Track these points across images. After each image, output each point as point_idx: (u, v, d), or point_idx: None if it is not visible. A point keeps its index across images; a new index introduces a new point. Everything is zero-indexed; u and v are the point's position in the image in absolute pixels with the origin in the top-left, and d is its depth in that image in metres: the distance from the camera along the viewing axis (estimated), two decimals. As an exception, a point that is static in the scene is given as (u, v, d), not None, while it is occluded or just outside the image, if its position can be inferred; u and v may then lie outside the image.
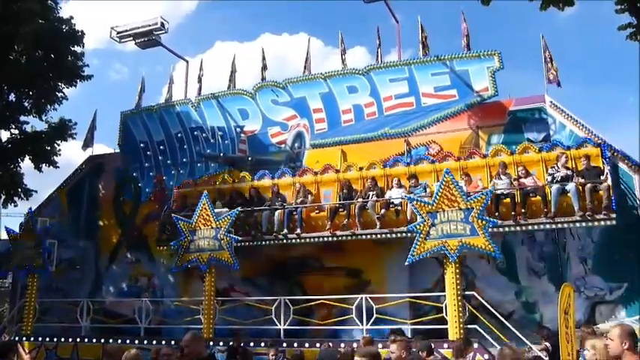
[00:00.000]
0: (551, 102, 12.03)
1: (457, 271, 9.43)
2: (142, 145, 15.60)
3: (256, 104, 14.28)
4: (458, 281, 9.41)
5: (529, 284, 11.43)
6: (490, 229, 9.39)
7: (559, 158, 10.39)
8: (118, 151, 16.21)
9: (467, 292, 11.04)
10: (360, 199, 11.23)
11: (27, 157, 15.06)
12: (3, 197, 15.07)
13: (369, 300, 10.62)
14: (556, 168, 10.27)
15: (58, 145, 15.15)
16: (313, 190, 12.16)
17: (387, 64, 13.22)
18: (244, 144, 14.42)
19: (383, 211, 10.97)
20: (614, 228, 10.46)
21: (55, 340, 12.30)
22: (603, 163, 10.32)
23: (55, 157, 15.08)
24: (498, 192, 10.25)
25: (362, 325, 10.47)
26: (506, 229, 10.30)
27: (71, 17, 14.75)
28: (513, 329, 9.69)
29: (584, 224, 10.00)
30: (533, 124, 12.12)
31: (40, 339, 12.38)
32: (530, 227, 10.33)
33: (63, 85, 14.88)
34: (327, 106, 13.64)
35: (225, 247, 11.05)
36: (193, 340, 4.35)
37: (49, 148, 14.95)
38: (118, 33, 15.44)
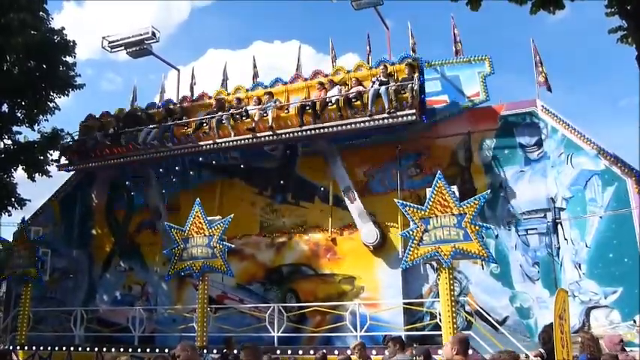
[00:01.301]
0: (542, 106, 12.03)
1: (451, 276, 9.39)
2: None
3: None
4: (451, 287, 9.37)
5: (523, 289, 11.39)
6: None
7: (383, 70, 11.79)
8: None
9: (461, 298, 11.05)
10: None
11: (20, 167, 15.03)
12: (-3, 207, 15.03)
13: (363, 306, 10.59)
14: (378, 77, 11.68)
15: (51, 154, 15.13)
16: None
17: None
18: (236, 151, 14.38)
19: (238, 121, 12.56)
20: (610, 231, 10.55)
21: (49, 348, 12.28)
22: (418, 72, 11.54)
23: (47, 167, 15.06)
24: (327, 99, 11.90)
25: (356, 332, 10.42)
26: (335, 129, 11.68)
27: (63, 28, 14.82)
28: (507, 335, 9.66)
29: (391, 120, 11.24)
30: (525, 128, 12.11)
31: (34, 348, 12.35)
32: (350, 127, 11.61)
33: (55, 95, 14.91)
34: (318, 113, 13.61)
35: (218, 255, 10.98)
36: (185, 350, 4.32)
37: (41, 157, 14.93)
38: (110, 43, 15.46)
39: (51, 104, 14.93)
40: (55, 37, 14.66)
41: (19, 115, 14.97)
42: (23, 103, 14.82)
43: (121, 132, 13.82)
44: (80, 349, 12.06)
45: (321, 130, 11.87)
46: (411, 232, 9.54)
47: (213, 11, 61.96)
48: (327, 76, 12.64)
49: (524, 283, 11.42)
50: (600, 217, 11.04)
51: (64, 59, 14.76)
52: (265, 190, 14.03)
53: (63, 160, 14.60)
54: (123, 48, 15.54)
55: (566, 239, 11.30)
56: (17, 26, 13.11)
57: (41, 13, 14.49)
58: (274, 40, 62.97)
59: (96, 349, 11.93)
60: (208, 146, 12.87)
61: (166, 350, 10.96)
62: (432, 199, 9.45)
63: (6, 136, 15.00)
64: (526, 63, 12.73)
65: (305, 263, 13.01)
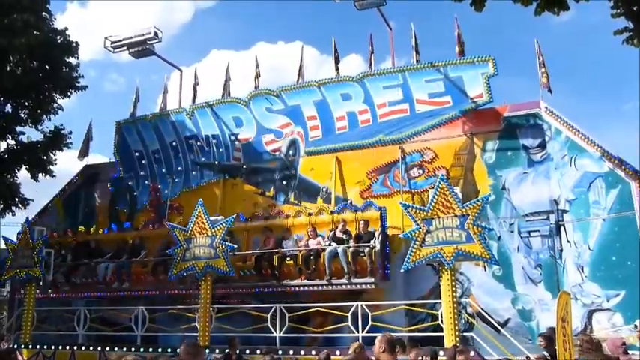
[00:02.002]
0: (546, 108, 11.99)
1: (453, 278, 9.39)
2: (137, 154, 15.64)
3: (250, 112, 14.31)
4: (453, 288, 9.37)
5: (525, 291, 11.35)
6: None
7: (339, 224, 11.58)
8: (113, 160, 16.24)
9: (463, 300, 11.03)
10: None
11: (23, 167, 15.11)
12: (1, 207, 15.13)
13: (365, 307, 10.59)
14: (334, 232, 11.44)
15: (54, 154, 15.22)
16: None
17: (381, 71, 13.23)
18: (239, 152, 14.44)
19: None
20: (613, 234, 10.53)
21: (53, 347, 12.36)
22: (380, 227, 11.25)
23: (51, 167, 15.14)
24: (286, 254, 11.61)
25: (357, 332, 10.42)
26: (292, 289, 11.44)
27: (66, 29, 14.87)
28: (509, 337, 9.65)
29: (349, 286, 10.96)
30: (529, 130, 12.07)
31: (38, 346, 12.42)
32: (309, 288, 11.34)
33: (58, 96, 14.98)
34: (321, 114, 13.66)
35: (220, 255, 11.02)
36: (189, 350, 4.34)
37: (45, 157, 15.01)
38: (112, 43, 15.50)
39: (54, 105, 15.00)
40: (58, 38, 14.73)
41: (22, 115, 15.05)
42: (27, 104, 14.91)
43: (78, 263, 13.58)
44: (83, 348, 12.12)
45: (278, 289, 11.59)
46: (413, 234, 9.56)
47: (217, 12, 62.13)
48: (287, 217, 12.53)
49: (526, 285, 11.38)
50: (603, 220, 11.01)
51: (67, 60, 14.84)
52: (268, 190, 14.07)
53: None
54: (125, 48, 15.58)
55: (568, 241, 11.27)
56: (20, 27, 13.17)
57: (44, 13, 14.56)
58: (277, 41, 63.10)
59: (99, 348, 11.98)
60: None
61: (169, 350, 11.02)
62: (434, 201, 9.46)
63: (10, 137, 15.10)
64: (530, 64, 12.68)
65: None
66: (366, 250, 10.91)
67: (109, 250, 13.72)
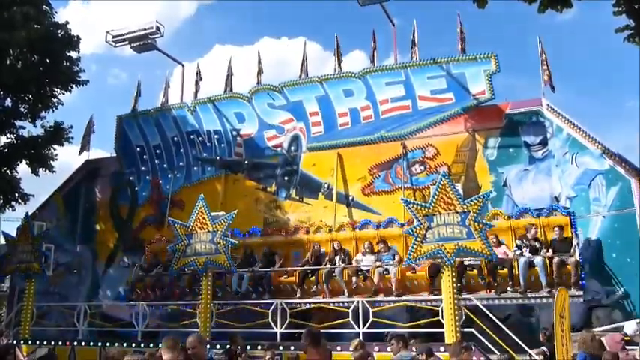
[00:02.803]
0: (548, 105, 12.02)
1: (453, 274, 9.40)
2: (138, 149, 15.63)
3: (252, 108, 14.30)
4: (454, 284, 9.38)
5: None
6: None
7: (528, 230, 10.26)
8: (114, 155, 16.21)
9: (463, 296, 11.04)
10: (328, 265, 10.93)
11: (24, 162, 15.05)
12: (1, 202, 15.08)
13: (366, 303, 10.60)
14: (524, 241, 10.14)
15: (55, 149, 15.15)
16: (283, 251, 11.95)
17: (383, 67, 13.25)
18: (240, 147, 14.46)
19: (354, 279, 10.70)
20: (613, 231, 10.59)
21: (53, 343, 12.29)
22: (572, 234, 10.18)
23: (51, 162, 15.07)
24: (465, 263, 10.08)
25: (358, 328, 10.43)
26: (478, 301, 9.92)
27: (67, 22, 14.75)
28: (510, 332, 9.66)
29: (551, 300, 9.37)
30: (530, 127, 12.11)
31: (37, 342, 12.37)
32: (499, 301, 10.11)
33: (59, 90, 14.87)
34: (323, 110, 13.67)
35: (221, 251, 10.99)
36: (199, 342, 4.40)
37: (45, 152, 14.94)
38: (114, 37, 15.46)
39: (54, 99, 14.91)
40: (59, 32, 14.60)
41: (22, 109, 14.95)
42: (27, 98, 14.80)
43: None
44: (83, 343, 12.10)
45: (463, 302, 9.59)
46: (414, 230, 9.56)
47: (220, 7, 61.98)
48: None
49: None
50: (603, 217, 11.05)
51: (67, 54, 14.71)
52: (269, 186, 14.06)
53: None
54: (127, 43, 15.55)
55: (569, 238, 11.27)
56: (20, 20, 13.05)
57: (44, 7, 14.42)
58: (281, 37, 62.95)
59: (99, 343, 11.97)
60: (313, 304, 10.98)
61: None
62: (436, 197, 9.44)
63: (10, 131, 15.02)
64: (533, 62, 12.70)
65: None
66: (571, 260, 9.65)
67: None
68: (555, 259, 9.79)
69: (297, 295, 11.14)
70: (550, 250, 9.94)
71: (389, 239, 11.06)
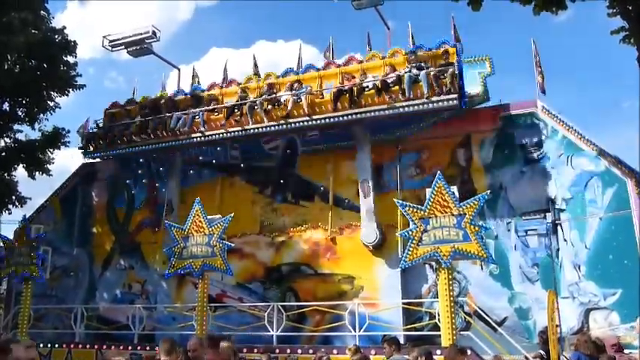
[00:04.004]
0: (543, 107, 12.01)
1: (450, 277, 9.39)
2: (134, 152, 15.55)
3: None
4: (451, 287, 9.37)
5: (522, 290, 11.39)
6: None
7: (412, 56, 11.77)
8: (111, 158, 16.17)
9: (460, 299, 11.04)
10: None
11: (20, 165, 15.08)
12: (-2, 205, 15.10)
13: (362, 306, 10.60)
14: (414, 64, 11.54)
15: (51, 153, 15.18)
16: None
17: (379, 70, 13.21)
18: (236, 150, 14.39)
19: (270, 107, 12.34)
20: (609, 233, 10.57)
21: (50, 346, 12.31)
22: (457, 59, 11.44)
23: (48, 165, 15.11)
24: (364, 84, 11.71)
25: (355, 331, 10.43)
26: (374, 113, 11.48)
27: (64, 27, 14.84)
28: (506, 335, 9.66)
29: (430, 105, 11.08)
30: (525, 129, 12.09)
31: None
32: (391, 111, 11.37)
33: (56, 94, 14.93)
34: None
35: (218, 254, 10.99)
36: (200, 346, 4.40)
37: (42, 156, 14.98)
38: (111, 42, 15.45)
39: (51, 103, 14.96)
40: (56, 37, 14.69)
41: (19, 113, 15.01)
42: (24, 102, 14.86)
43: (149, 118, 13.64)
44: (80, 346, 12.10)
45: (359, 115, 11.59)
46: (410, 232, 9.54)
47: (217, 10, 61.95)
48: (360, 62, 12.57)
49: (523, 284, 11.41)
50: (600, 219, 11.04)
51: (64, 59, 14.79)
52: (265, 189, 14.04)
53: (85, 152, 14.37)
54: (123, 47, 15.54)
55: (565, 240, 11.30)
56: (18, 25, 13.12)
57: (42, 12, 14.50)
58: (278, 40, 62.89)
59: (96, 346, 11.96)
60: (239, 133, 12.71)
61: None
62: (431, 200, 9.44)
63: (7, 135, 15.05)
64: (528, 64, 12.70)
65: (305, 262, 13.02)
66: (449, 70, 10.95)
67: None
68: (432, 72, 11.15)
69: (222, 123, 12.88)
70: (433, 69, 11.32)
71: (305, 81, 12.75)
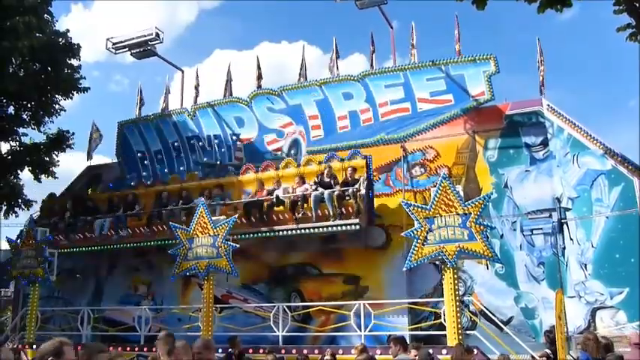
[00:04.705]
0: (548, 105, 11.96)
1: (455, 276, 9.36)
2: (139, 154, 15.70)
3: (252, 112, 14.34)
4: (456, 287, 9.34)
5: (528, 290, 11.33)
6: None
7: (325, 170, 11.83)
8: (116, 161, 16.28)
9: (465, 298, 11.01)
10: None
11: (26, 168, 15.17)
12: (4, 208, 15.20)
13: (367, 306, 10.59)
14: (321, 177, 11.75)
15: (57, 156, 15.27)
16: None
17: (382, 70, 13.24)
18: (240, 152, 14.47)
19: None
20: (616, 232, 10.50)
21: (56, 348, 12.33)
22: (367, 173, 11.74)
23: (53, 168, 15.19)
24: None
25: (360, 331, 10.42)
26: (282, 232, 11.81)
27: (67, 30, 14.90)
28: (512, 335, 9.62)
29: (333, 229, 11.31)
30: (531, 127, 12.05)
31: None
32: (298, 231, 11.67)
33: (60, 98, 15.00)
34: (322, 113, 13.67)
35: (223, 255, 11.00)
36: (204, 348, 4.37)
37: (47, 159, 15.06)
38: (114, 44, 15.51)
39: (56, 106, 15.03)
40: (60, 40, 14.74)
41: (24, 117, 15.09)
42: (29, 105, 14.94)
43: (75, 221, 14.08)
44: (87, 348, 12.14)
45: (268, 234, 12.00)
46: (415, 232, 9.53)
47: (220, 12, 62.27)
48: (277, 169, 12.90)
49: (529, 284, 11.36)
50: (606, 217, 10.98)
51: (68, 62, 14.85)
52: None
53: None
54: (127, 49, 15.61)
55: (571, 239, 11.23)
56: (23, 29, 13.18)
57: (46, 15, 14.57)
58: (281, 41, 63.15)
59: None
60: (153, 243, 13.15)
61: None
62: (436, 199, 9.42)
63: (12, 138, 15.14)
64: (533, 62, 12.64)
65: (310, 263, 13.02)
66: (350, 191, 11.18)
67: (103, 208, 14.30)
68: (337, 193, 11.28)
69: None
70: (340, 188, 11.39)
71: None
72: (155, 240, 13.13)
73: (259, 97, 14.22)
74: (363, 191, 11.26)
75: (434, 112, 12.51)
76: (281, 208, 11.89)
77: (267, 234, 11.97)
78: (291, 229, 11.71)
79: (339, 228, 11.25)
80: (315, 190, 11.52)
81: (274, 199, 11.96)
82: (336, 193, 11.26)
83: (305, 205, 11.61)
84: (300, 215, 11.62)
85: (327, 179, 11.68)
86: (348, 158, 12.14)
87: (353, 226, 11.12)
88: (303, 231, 11.62)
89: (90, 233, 13.77)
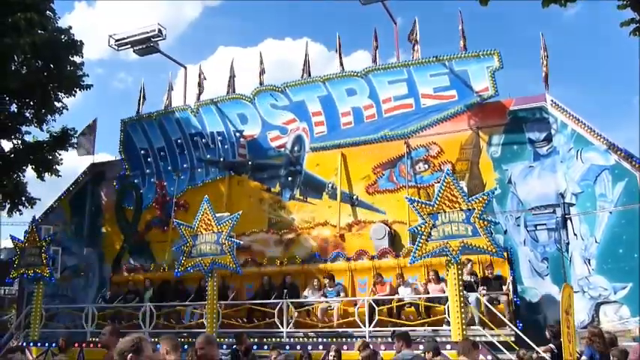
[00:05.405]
0: (552, 101, 11.95)
1: (459, 272, 9.36)
2: (142, 151, 15.70)
3: (255, 108, 14.33)
4: (460, 282, 9.34)
5: (532, 285, 11.36)
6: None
7: (464, 264, 10.06)
8: (119, 158, 16.30)
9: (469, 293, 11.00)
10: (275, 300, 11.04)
11: (29, 166, 15.17)
12: (8, 206, 15.21)
13: (372, 303, 10.57)
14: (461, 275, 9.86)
15: (60, 154, 15.27)
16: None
17: (386, 66, 13.22)
18: (244, 148, 14.49)
19: (296, 313, 10.71)
20: (619, 227, 10.48)
21: (61, 345, 12.39)
22: (509, 272, 10.24)
23: (56, 166, 15.18)
24: (403, 301, 10.13)
25: (364, 327, 10.42)
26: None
27: (70, 27, 14.84)
28: (517, 330, 9.62)
29: (484, 339, 9.28)
30: (534, 123, 12.05)
31: (46, 344, 12.46)
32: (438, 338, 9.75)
33: (63, 95, 14.96)
34: (326, 109, 13.67)
35: (227, 252, 11.02)
36: (208, 343, 4.38)
37: (50, 157, 15.05)
38: (117, 41, 15.49)
39: (59, 104, 15.00)
40: (63, 37, 14.68)
41: (27, 114, 15.06)
42: (31, 103, 14.91)
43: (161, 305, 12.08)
44: (92, 345, 12.17)
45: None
46: (419, 228, 9.53)
47: (224, 9, 62.17)
48: (397, 256, 11.11)
49: (533, 279, 11.39)
50: (610, 213, 10.98)
51: (71, 59, 14.79)
52: (273, 186, 14.09)
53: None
54: (129, 46, 15.59)
55: (575, 235, 11.24)
56: (24, 25, 13.11)
57: (48, 12, 14.50)
58: (285, 38, 63.04)
59: (107, 345, 12.02)
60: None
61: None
62: (440, 195, 9.41)
63: (15, 136, 15.13)
64: (538, 58, 12.61)
65: (314, 259, 13.00)
66: (502, 298, 9.59)
67: (191, 288, 12.32)
68: (485, 298, 9.58)
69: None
70: (482, 289, 9.77)
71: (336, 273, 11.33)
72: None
73: (262, 93, 14.22)
74: (511, 294, 9.77)
75: (437, 108, 12.50)
76: (411, 309, 10.25)
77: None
78: (428, 336, 9.38)
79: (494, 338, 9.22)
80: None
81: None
82: (485, 297, 9.50)
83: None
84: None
85: (467, 277, 9.94)
86: (483, 252, 9.65)
87: (509, 337, 9.23)
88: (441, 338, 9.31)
89: (176, 321, 12.01)
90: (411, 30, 13.16)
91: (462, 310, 9.10)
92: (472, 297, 9.70)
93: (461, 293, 9.23)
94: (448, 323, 9.31)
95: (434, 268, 10.37)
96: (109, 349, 4.81)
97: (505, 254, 10.19)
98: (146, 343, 2.94)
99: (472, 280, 10.06)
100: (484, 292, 9.68)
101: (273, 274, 11.96)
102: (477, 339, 9.12)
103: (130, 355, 2.86)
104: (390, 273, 10.95)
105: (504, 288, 9.93)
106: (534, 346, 9.08)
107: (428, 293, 10.21)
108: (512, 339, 9.19)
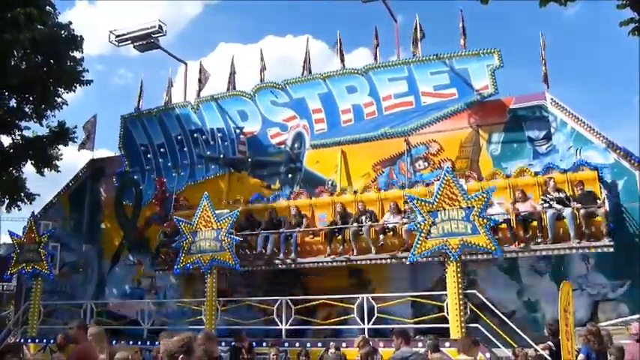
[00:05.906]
0: (552, 99, 11.98)
1: (458, 269, 9.40)
2: (142, 148, 15.68)
3: (255, 105, 14.31)
4: (459, 280, 9.38)
5: (531, 283, 11.39)
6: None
7: (547, 183, 10.58)
8: (119, 154, 16.28)
9: (468, 291, 11.03)
10: (355, 224, 11.32)
11: (29, 162, 15.13)
12: (6, 202, 15.18)
13: (371, 299, 10.61)
14: (548, 195, 10.37)
15: (59, 149, 15.23)
16: (308, 214, 12.30)
17: (386, 64, 13.22)
18: (244, 145, 14.47)
19: (381, 236, 11.11)
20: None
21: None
22: (600, 187, 10.43)
23: (56, 162, 15.14)
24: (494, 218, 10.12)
25: (363, 324, 10.45)
26: (508, 255, 10.44)
27: (70, 22, 14.77)
28: (515, 328, 9.65)
29: (580, 251, 10.12)
30: (534, 122, 12.08)
31: (44, 341, 12.47)
32: (530, 253, 10.45)
33: (62, 90, 14.91)
34: (326, 107, 13.66)
35: (226, 248, 11.06)
36: (206, 340, 4.40)
37: (50, 152, 15.02)
38: (117, 37, 15.45)
39: (58, 99, 14.95)
40: (63, 32, 14.62)
41: (27, 110, 15.02)
42: (31, 98, 14.86)
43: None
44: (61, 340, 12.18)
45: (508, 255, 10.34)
46: (418, 225, 9.56)
47: (225, 6, 62.12)
48: (481, 180, 11.24)
49: (532, 277, 11.40)
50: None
51: (71, 54, 14.74)
52: (273, 183, 14.10)
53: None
54: (130, 42, 15.55)
55: (574, 232, 11.24)
56: (24, 20, 13.05)
57: (48, 7, 14.44)
58: (286, 35, 62.96)
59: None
60: (342, 262, 11.46)
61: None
62: (440, 193, 9.45)
63: (14, 132, 15.09)
64: (538, 56, 12.62)
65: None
66: (600, 210, 9.81)
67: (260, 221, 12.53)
68: (582, 211, 9.95)
69: (327, 253, 11.56)
70: (576, 204, 10.07)
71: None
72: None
73: (263, 90, 14.20)
74: (607, 206, 9.97)
75: (438, 105, 12.51)
76: (503, 225, 10.52)
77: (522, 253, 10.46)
78: (522, 251, 10.27)
79: (588, 250, 10.03)
80: (549, 207, 10.16)
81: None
82: (581, 211, 9.90)
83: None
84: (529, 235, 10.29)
85: (554, 193, 10.27)
86: (572, 169, 10.78)
87: (606, 249, 9.81)
88: (537, 253, 10.29)
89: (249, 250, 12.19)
90: (415, 28, 13.14)
91: (462, 308, 9.16)
92: (567, 211, 9.96)
93: (460, 291, 9.28)
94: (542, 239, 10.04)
95: (519, 188, 10.80)
96: (78, 343, 4.83)
97: (595, 173, 10.53)
98: (194, 342, 2.89)
99: (562, 195, 10.28)
100: (578, 205, 9.96)
101: (347, 203, 12.08)
102: (573, 252, 10.09)
103: (182, 356, 2.81)
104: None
105: (599, 201, 10.06)
106: (530, 341, 9.14)
107: (518, 211, 10.42)
108: (612, 250, 9.69)
